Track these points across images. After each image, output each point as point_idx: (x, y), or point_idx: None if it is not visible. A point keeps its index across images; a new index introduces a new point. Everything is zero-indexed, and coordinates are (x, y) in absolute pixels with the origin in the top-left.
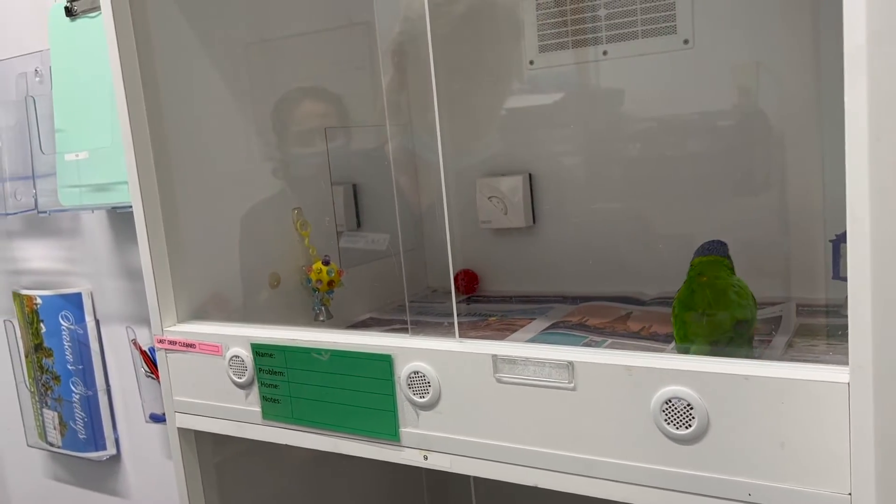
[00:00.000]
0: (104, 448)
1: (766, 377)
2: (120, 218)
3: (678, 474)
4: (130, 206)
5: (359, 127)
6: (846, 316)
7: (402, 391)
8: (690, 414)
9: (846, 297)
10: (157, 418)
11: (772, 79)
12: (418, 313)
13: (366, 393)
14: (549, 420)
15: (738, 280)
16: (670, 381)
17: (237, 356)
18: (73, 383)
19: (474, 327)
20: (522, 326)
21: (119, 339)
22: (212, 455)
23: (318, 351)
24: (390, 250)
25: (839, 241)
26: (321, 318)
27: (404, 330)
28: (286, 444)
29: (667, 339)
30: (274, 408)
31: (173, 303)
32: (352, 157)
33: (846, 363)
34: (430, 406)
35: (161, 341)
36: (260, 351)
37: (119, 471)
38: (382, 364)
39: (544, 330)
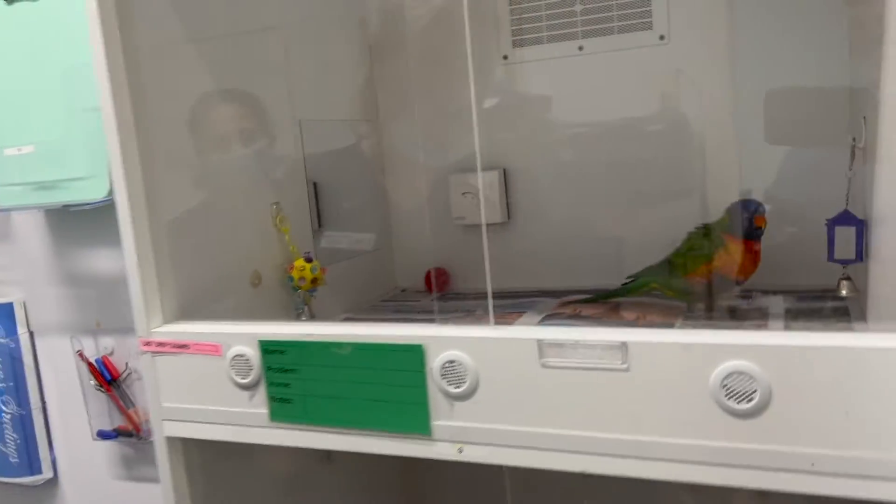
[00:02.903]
0: (39, 471)
1: (830, 346)
2: (58, 218)
3: (739, 449)
4: (85, 205)
5: (331, 121)
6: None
7: (435, 382)
8: (752, 387)
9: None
10: (106, 435)
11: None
12: (395, 311)
13: (392, 386)
14: (600, 403)
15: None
16: (730, 356)
17: (241, 355)
18: (3, 402)
19: (463, 322)
20: (515, 320)
21: (58, 351)
22: (201, 465)
23: (341, 345)
24: (365, 249)
25: (833, 224)
26: (303, 319)
27: None
28: (283, 449)
29: (665, 325)
30: (284, 408)
31: (160, 302)
32: (315, 156)
33: None
34: (465, 396)
35: (147, 343)
36: (269, 348)
37: (57, 495)
38: (413, 355)
39: (540, 322)
